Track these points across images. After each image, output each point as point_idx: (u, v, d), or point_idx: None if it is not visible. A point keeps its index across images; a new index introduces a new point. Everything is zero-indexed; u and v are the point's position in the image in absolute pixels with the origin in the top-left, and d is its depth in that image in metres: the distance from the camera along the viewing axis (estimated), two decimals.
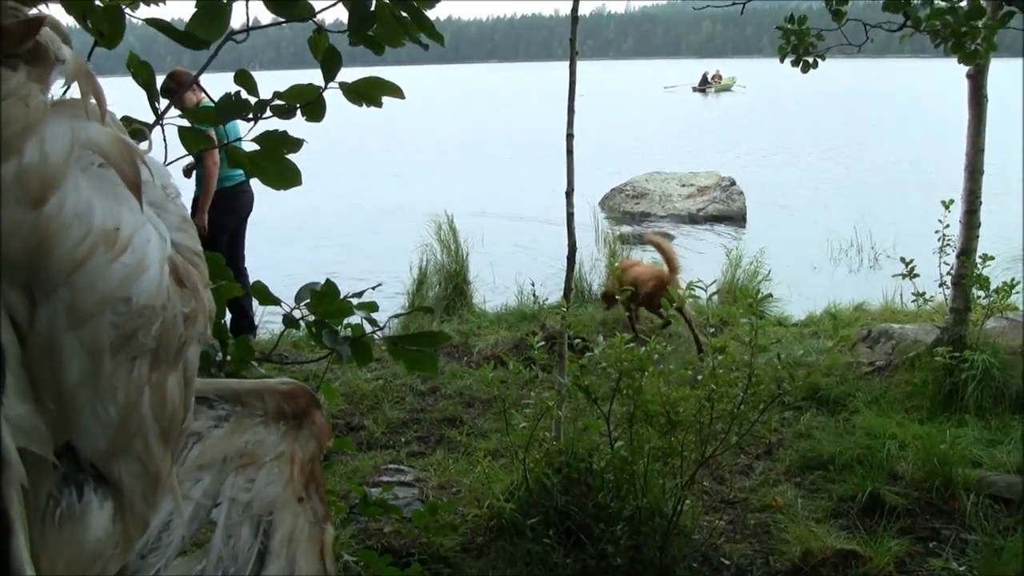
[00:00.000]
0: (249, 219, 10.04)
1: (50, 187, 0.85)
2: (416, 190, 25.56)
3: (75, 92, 0.94)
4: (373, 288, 2.66)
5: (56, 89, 0.94)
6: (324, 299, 2.34)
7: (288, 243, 18.15)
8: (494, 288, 13.09)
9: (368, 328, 2.52)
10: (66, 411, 0.88)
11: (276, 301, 2.61)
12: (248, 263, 10.12)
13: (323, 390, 2.96)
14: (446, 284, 12.12)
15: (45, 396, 0.87)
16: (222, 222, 9.54)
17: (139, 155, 0.95)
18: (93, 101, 0.94)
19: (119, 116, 2.18)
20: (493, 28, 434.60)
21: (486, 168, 31.28)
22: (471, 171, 30.71)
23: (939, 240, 8.80)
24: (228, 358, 2.25)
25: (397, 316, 3.70)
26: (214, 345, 2.21)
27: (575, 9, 6.10)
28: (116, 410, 0.91)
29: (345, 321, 2.49)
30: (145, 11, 2.11)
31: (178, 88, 8.67)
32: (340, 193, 25.20)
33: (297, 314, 2.41)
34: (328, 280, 2.41)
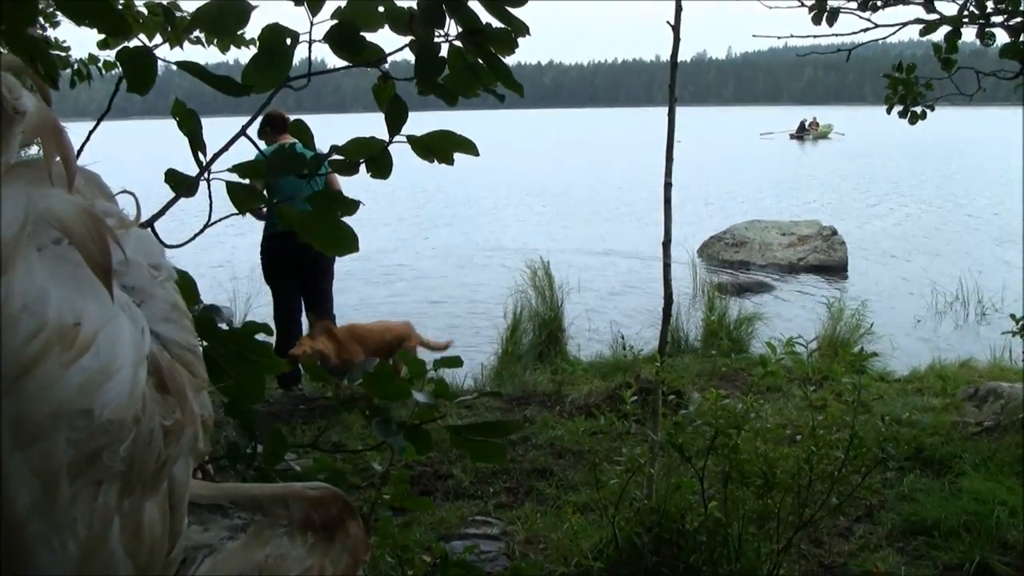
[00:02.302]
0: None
1: None
2: (514, 234, 25.61)
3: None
4: (444, 348, 2.51)
5: (20, 149, 0.77)
6: (378, 381, 2.17)
7: (382, 286, 18.22)
8: (589, 336, 12.95)
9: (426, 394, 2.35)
10: (14, 548, 0.72)
11: (328, 379, 2.47)
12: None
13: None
14: (540, 331, 12.01)
15: None
16: (272, 272, 9.57)
17: (110, 230, 0.78)
18: (59, 162, 0.78)
19: (166, 168, 2.07)
20: (594, 73, 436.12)
21: (584, 213, 31.24)
22: (569, 216, 30.68)
23: None
24: (259, 450, 2.08)
25: (463, 400, 3.53)
26: (243, 436, 2.04)
27: (674, 55, 5.95)
28: (76, 546, 0.74)
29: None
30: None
31: (270, 131, 8.88)
32: (434, 235, 25.40)
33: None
34: (381, 361, 2.24)
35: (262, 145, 7.75)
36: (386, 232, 25.06)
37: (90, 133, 2.00)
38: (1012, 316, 8.21)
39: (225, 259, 19.66)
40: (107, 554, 0.76)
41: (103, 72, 6.82)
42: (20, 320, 0.71)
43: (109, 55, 6.48)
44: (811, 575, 5.79)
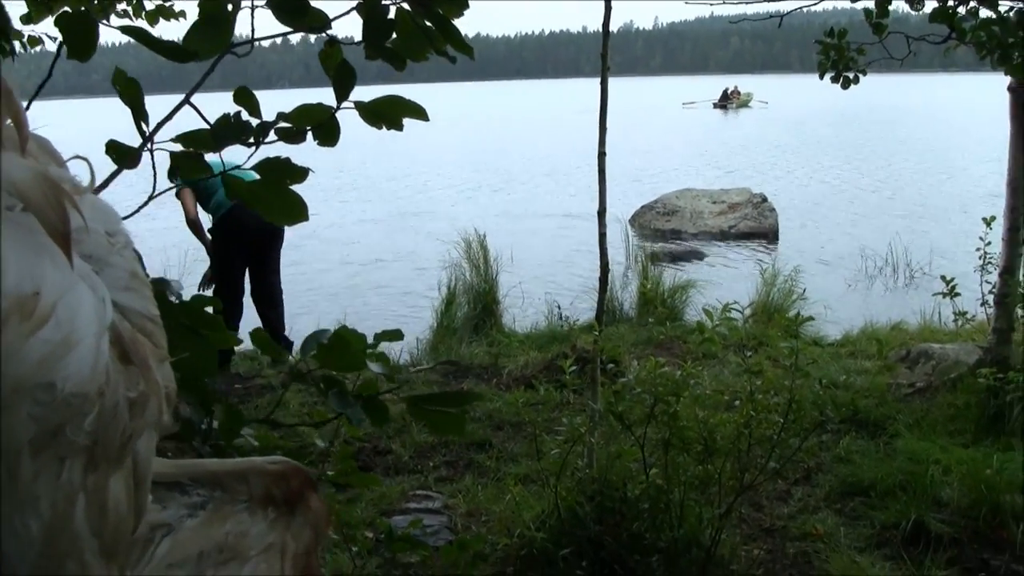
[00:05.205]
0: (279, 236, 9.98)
1: None
2: (446, 209, 25.53)
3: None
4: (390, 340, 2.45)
5: None
6: (333, 353, 2.12)
7: (319, 261, 18.07)
8: (524, 308, 12.95)
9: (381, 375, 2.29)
10: None
11: (279, 353, 2.42)
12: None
13: (344, 425, 2.77)
14: (475, 304, 11.98)
15: None
16: (229, 250, 9.49)
17: (68, 196, 0.74)
18: (10, 124, 0.73)
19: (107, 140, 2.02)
20: (521, 45, 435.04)
21: (515, 186, 31.26)
22: (499, 189, 30.69)
23: (980, 258, 8.62)
24: (215, 426, 2.03)
25: (417, 369, 3.46)
26: (198, 411, 1.99)
27: (606, 24, 5.92)
28: (40, 525, 0.71)
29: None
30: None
31: None
32: (364, 211, 25.33)
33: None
34: (337, 332, 2.18)
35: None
36: (316, 205, 24.83)
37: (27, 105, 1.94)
38: (943, 277, 8.34)
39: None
40: (71, 533, 0.73)
41: (28, 48, 6.63)
42: None
43: (33, 30, 6.31)
44: (752, 539, 5.84)
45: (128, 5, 4.54)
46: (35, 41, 6.34)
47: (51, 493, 0.72)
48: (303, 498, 1.13)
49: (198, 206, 9.53)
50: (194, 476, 1.09)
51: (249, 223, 9.18)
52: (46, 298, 0.70)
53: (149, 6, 4.97)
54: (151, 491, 0.87)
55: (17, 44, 6.87)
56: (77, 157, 0.89)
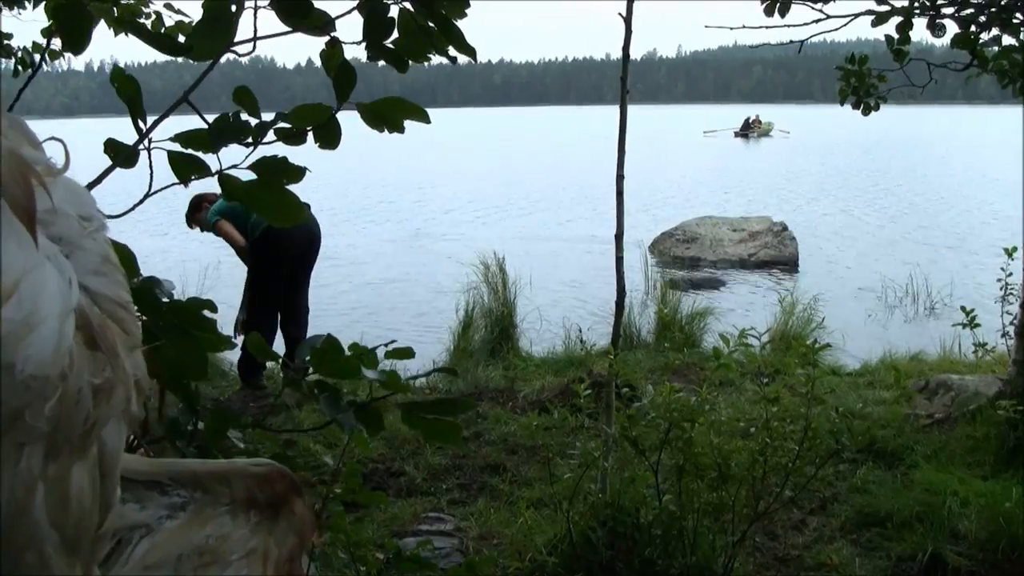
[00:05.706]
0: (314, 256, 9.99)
1: None
2: (465, 231, 25.55)
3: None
4: (386, 345, 2.39)
5: None
6: (325, 357, 2.08)
7: (335, 281, 18.04)
8: (541, 332, 12.92)
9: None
10: None
11: (275, 356, 2.40)
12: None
13: (355, 438, 2.74)
14: (492, 327, 11.94)
15: None
16: (267, 269, 9.47)
17: (37, 175, 0.71)
18: None
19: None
20: (544, 71, 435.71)
21: (535, 209, 31.28)
22: (519, 212, 30.73)
23: (1001, 289, 8.56)
24: (199, 427, 1.99)
25: (415, 377, 3.39)
26: (184, 411, 1.95)
27: (626, 47, 5.91)
28: None
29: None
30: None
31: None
32: (382, 232, 25.37)
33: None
34: (329, 335, 2.14)
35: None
36: (334, 225, 24.82)
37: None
38: (963, 308, 8.27)
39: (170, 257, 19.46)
40: (30, 523, 0.70)
41: (48, 61, 6.61)
42: None
43: (56, 43, 6.28)
44: (766, 567, 5.78)
45: (147, 20, 4.55)
46: (55, 54, 6.33)
47: (8, 481, 0.69)
48: (288, 503, 1.09)
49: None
50: (174, 476, 1.05)
51: (288, 239, 9.22)
52: (8, 276, 0.67)
53: (168, 22, 4.97)
54: (129, 489, 0.84)
55: (38, 58, 6.86)
56: (53, 139, 0.87)
